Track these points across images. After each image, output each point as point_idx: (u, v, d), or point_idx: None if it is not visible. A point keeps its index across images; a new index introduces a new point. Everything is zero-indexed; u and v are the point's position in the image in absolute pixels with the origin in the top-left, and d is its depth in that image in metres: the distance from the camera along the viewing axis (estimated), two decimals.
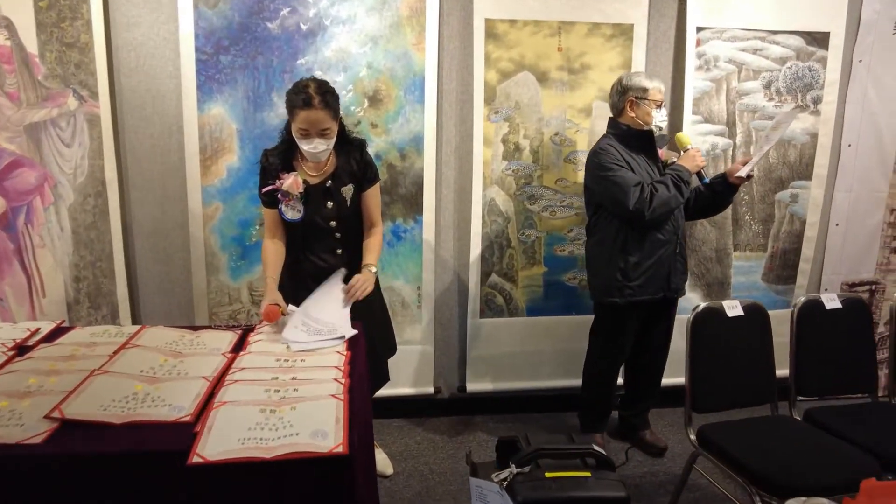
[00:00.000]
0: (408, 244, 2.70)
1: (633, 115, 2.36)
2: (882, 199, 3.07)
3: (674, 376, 2.67)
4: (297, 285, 2.05)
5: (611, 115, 2.45)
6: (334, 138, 1.93)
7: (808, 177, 2.92)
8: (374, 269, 2.02)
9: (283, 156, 2.00)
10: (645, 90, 2.33)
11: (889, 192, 3.07)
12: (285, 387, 1.43)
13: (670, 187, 2.26)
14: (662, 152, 2.42)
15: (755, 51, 2.76)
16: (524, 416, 2.93)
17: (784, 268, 3.02)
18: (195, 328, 1.86)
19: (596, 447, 1.63)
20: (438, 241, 2.74)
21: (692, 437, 2.03)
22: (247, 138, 2.49)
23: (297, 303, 1.93)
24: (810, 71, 2.82)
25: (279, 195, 1.98)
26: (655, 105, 2.31)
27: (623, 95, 2.37)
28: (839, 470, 1.76)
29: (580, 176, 2.75)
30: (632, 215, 2.26)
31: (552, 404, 2.95)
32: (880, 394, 2.30)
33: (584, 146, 2.73)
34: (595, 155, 2.38)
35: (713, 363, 2.05)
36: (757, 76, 2.78)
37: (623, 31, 2.66)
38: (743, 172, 2.27)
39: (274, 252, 2.06)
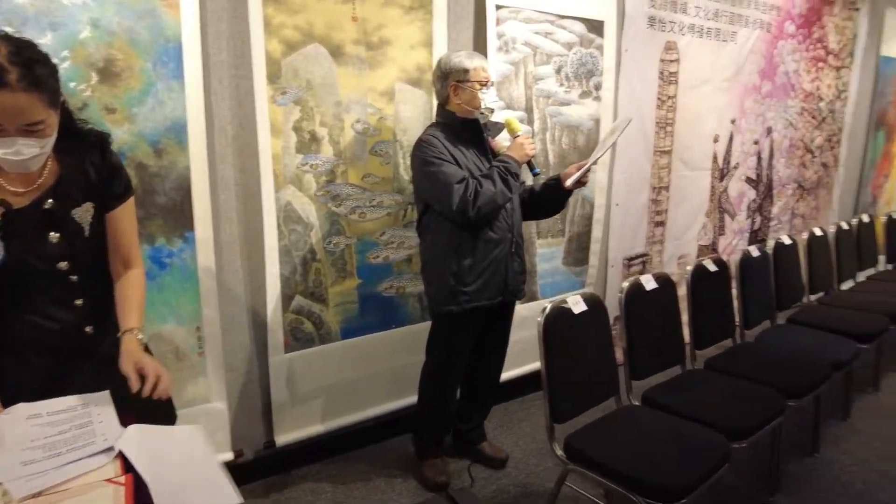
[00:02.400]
0: (176, 272, 1.99)
1: (458, 101, 2.07)
2: (647, 179, 3.36)
3: None
4: (8, 361, 1.29)
5: (438, 103, 2.14)
6: (53, 135, 1.20)
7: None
8: (141, 336, 1.35)
9: None
10: (466, 71, 2.04)
11: (651, 171, 3.38)
12: None
13: (496, 182, 2.02)
14: (494, 142, 2.17)
15: (546, 34, 2.70)
16: (353, 455, 2.46)
17: (579, 250, 3.09)
18: None
19: None
20: (220, 264, 2.09)
21: (559, 452, 1.84)
22: None
23: (9, 393, 1.19)
24: (591, 58, 2.89)
25: None
26: (480, 85, 2.04)
27: (445, 80, 2.06)
28: (702, 455, 1.76)
29: (389, 170, 2.37)
30: (455, 215, 1.99)
31: (384, 432, 2.55)
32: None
33: (390, 136, 2.35)
34: (417, 148, 2.06)
35: (567, 367, 1.90)
36: (549, 60, 2.73)
37: (422, 4, 2.33)
38: (570, 182, 2.13)
39: None
